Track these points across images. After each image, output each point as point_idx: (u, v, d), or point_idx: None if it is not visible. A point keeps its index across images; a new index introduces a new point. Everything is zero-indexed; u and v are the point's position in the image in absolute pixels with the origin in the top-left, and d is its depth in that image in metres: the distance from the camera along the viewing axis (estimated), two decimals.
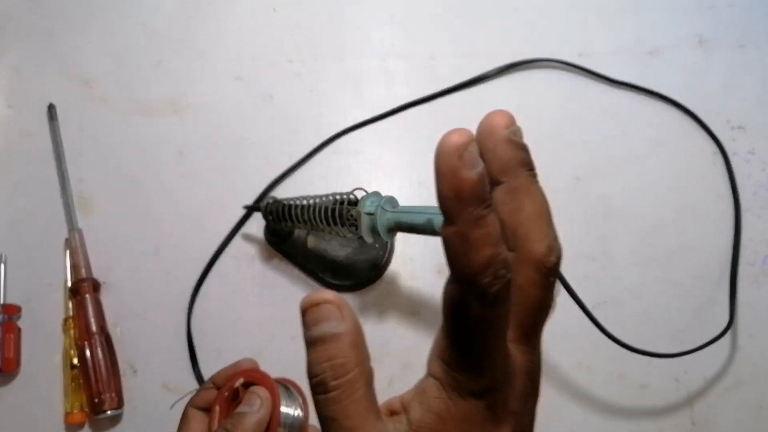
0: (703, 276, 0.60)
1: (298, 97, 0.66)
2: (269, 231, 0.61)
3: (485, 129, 0.24)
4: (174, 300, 0.60)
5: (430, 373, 0.25)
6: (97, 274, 0.60)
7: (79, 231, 0.61)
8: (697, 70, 0.66)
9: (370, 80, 0.66)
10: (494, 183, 0.25)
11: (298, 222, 0.54)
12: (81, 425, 0.57)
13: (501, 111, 0.24)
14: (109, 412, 0.55)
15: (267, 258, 0.61)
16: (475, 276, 0.21)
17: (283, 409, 0.40)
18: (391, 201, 0.50)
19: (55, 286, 0.60)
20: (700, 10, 0.68)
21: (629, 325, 0.56)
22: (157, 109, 0.66)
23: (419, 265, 0.60)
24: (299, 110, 0.66)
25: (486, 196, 0.21)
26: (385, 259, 0.60)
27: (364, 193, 0.50)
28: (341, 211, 0.51)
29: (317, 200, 0.54)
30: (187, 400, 0.43)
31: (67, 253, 0.60)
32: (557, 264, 0.25)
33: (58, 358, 0.58)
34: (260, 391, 0.40)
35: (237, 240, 0.62)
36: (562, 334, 0.58)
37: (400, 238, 0.59)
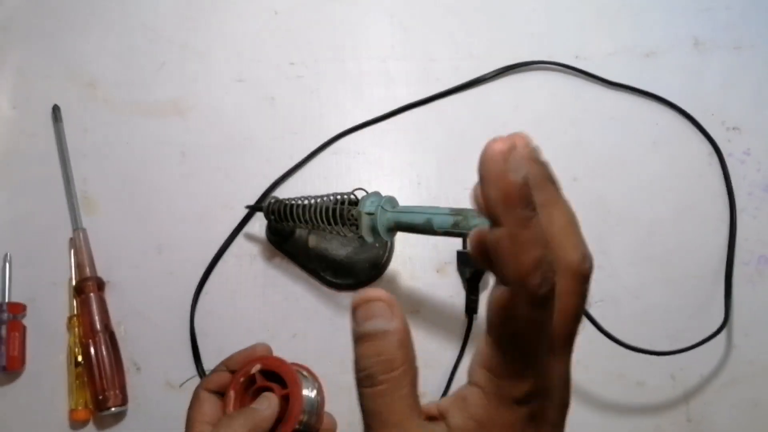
0: (698, 275, 0.60)
1: (299, 98, 0.67)
2: (271, 230, 0.61)
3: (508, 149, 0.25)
4: (177, 298, 0.60)
5: (472, 382, 0.25)
6: (101, 272, 0.60)
7: (84, 230, 0.61)
8: (693, 71, 0.67)
9: (370, 82, 0.67)
10: None
11: (300, 222, 0.55)
12: (85, 422, 0.57)
13: (519, 133, 0.25)
14: (113, 409, 0.56)
15: (269, 257, 0.62)
16: (526, 276, 0.22)
17: (305, 392, 0.41)
18: (391, 201, 0.50)
19: (60, 285, 0.61)
20: (696, 13, 0.69)
21: (626, 324, 0.57)
22: (160, 110, 0.66)
23: (419, 264, 0.61)
24: (300, 111, 0.66)
25: (532, 199, 0.22)
26: (385, 258, 0.60)
27: (364, 193, 0.51)
28: (342, 211, 0.51)
29: (318, 200, 0.55)
30: (197, 380, 0.44)
31: (72, 252, 0.61)
32: (591, 271, 0.26)
33: (62, 356, 0.59)
34: (271, 396, 0.40)
35: (239, 239, 0.62)
36: None
37: (400, 237, 0.60)
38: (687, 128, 0.65)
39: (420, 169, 0.64)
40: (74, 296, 0.59)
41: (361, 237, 0.50)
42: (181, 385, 0.46)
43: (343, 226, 0.52)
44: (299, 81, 0.67)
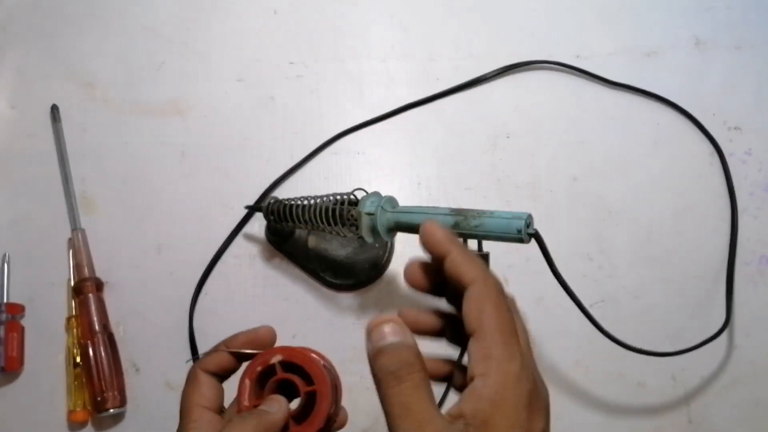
0: (700, 275, 0.60)
1: (298, 98, 0.67)
2: (270, 231, 0.61)
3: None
4: (176, 299, 0.60)
5: (475, 375, 0.30)
6: (100, 273, 0.60)
7: (82, 231, 0.61)
8: (694, 71, 0.66)
9: (370, 81, 0.67)
10: None
11: (299, 222, 0.55)
12: (84, 423, 0.57)
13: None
14: (111, 411, 0.55)
15: (268, 257, 0.62)
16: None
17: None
18: (391, 201, 0.50)
19: (58, 286, 0.60)
20: (697, 12, 0.68)
21: (627, 324, 0.57)
22: (159, 110, 0.66)
23: None
24: (300, 111, 0.66)
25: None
26: (385, 258, 0.60)
27: (364, 194, 0.51)
28: (342, 211, 0.51)
29: (318, 200, 0.55)
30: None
31: (70, 252, 0.61)
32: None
33: (61, 357, 0.58)
34: (281, 399, 0.37)
35: (238, 240, 0.62)
36: (560, 332, 0.58)
37: (400, 238, 0.60)
38: (688, 128, 0.65)
39: (420, 169, 0.64)
40: (73, 297, 0.59)
41: (361, 237, 0.50)
42: (187, 362, 0.45)
43: (342, 226, 0.51)
44: (299, 81, 0.67)
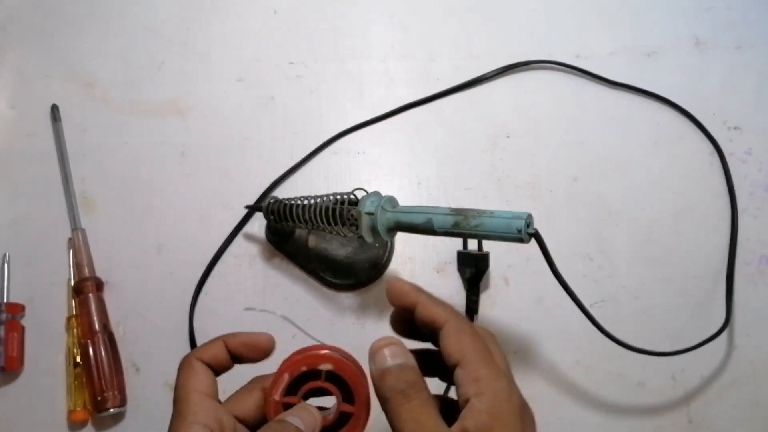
0: (699, 275, 0.60)
1: (298, 98, 0.67)
2: (270, 230, 0.61)
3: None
4: (176, 299, 0.60)
5: (467, 397, 0.32)
6: (100, 273, 0.60)
7: (82, 230, 0.61)
8: (694, 71, 0.66)
9: (370, 81, 0.67)
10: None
11: (299, 222, 0.55)
12: (84, 423, 0.57)
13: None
14: (111, 410, 0.55)
15: (268, 257, 0.62)
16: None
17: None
18: (391, 201, 0.50)
19: (59, 285, 0.60)
20: (697, 12, 0.68)
21: (627, 324, 0.57)
22: (159, 110, 0.66)
23: (419, 264, 0.61)
24: (300, 111, 0.66)
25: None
26: (385, 258, 0.60)
27: (364, 193, 0.51)
28: (342, 211, 0.51)
29: (318, 200, 0.55)
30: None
31: (71, 252, 0.61)
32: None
33: (61, 357, 0.58)
34: (314, 413, 0.35)
35: (239, 239, 0.62)
36: (560, 332, 0.58)
37: (400, 237, 0.60)
38: (688, 128, 0.65)
39: (420, 169, 0.64)
40: (73, 297, 0.59)
41: (361, 237, 0.50)
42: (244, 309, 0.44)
43: (343, 226, 0.51)
44: (299, 81, 0.67)
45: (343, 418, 0.35)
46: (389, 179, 0.64)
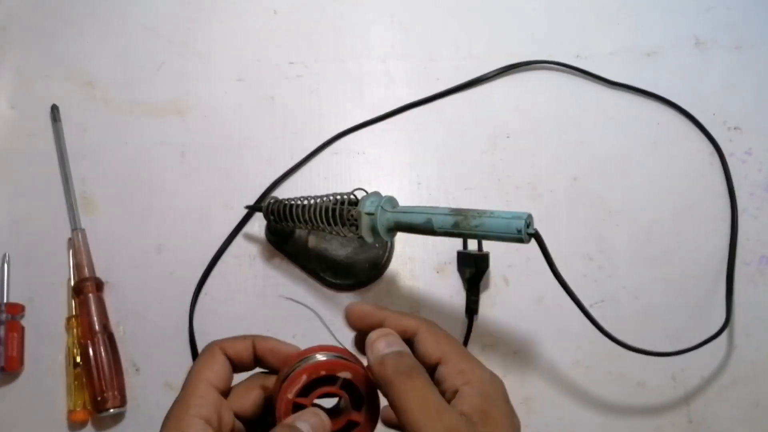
0: (700, 275, 0.60)
1: (298, 98, 0.67)
2: (270, 231, 0.61)
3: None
4: (176, 299, 0.60)
5: (456, 388, 0.34)
6: (100, 273, 0.60)
7: (82, 231, 0.61)
8: (694, 71, 0.66)
9: (371, 81, 0.67)
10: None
11: (299, 222, 0.55)
12: (84, 423, 0.57)
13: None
14: (111, 410, 0.55)
15: (268, 257, 0.62)
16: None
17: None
18: (391, 201, 0.50)
19: (59, 286, 0.60)
20: (697, 12, 0.69)
21: (627, 324, 0.57)
22: (159, 110, 0.66)
23: (419, 264, 0.61)
24: (300, 111, 0.66)
25: None
26: (385, 258, 0.60)
27: (364, 193, 0.51)
28: (342, 211, 0.51)
29: (318, 200, 0.55)
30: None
31: (70, 252, 0.61)
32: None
33: (61, 357, 0.58)
34: (323, 419, 0.35)
35: (239, 240, 0.62)
36: (560, 332, 0.58)
37: (400, 237, 0.60)
38: (688, 128, 0.65)
39: (420, 169, 0.64)
40: (73, 297, 0.59)
41: (361, 237, 0.50)
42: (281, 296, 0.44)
43: (342, 226, 0.51)
44: (299, 81, 0.67)
45: (349, 425, 0.36)
46: (389, 179, 0.64)
